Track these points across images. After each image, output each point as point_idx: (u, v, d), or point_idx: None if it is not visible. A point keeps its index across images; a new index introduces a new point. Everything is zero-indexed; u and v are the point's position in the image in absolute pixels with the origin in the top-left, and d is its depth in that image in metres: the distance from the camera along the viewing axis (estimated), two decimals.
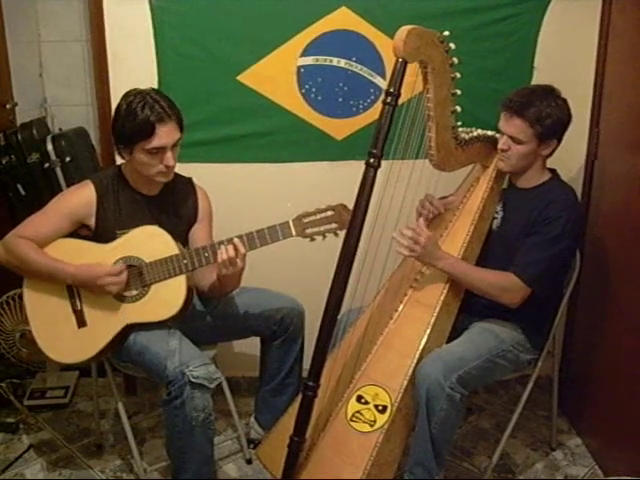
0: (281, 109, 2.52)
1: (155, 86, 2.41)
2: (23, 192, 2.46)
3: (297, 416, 1.91)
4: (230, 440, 2.49)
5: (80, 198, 2.08)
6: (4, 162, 2.44)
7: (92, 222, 2.08)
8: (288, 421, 2.00)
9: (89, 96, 2.70)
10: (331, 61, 2.49)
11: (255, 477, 2.31)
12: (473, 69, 2.38)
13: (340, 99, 2.53)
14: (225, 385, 2.31)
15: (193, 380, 1.91)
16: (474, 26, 2.45)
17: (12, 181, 2.46)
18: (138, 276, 2.02)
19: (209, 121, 2.51)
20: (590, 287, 2.44)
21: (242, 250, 1.94)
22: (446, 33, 1.89)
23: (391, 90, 1.80)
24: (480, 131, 2.12)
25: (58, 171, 2.44)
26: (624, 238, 2.21)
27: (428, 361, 1.94)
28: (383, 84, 2.48)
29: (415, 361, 1.95)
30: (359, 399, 1.98)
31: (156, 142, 1.96)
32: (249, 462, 2.37)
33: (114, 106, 2.04)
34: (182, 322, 2.08)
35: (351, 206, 1.85)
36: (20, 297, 2.23)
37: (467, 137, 2.06)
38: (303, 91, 2.51)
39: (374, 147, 1.81)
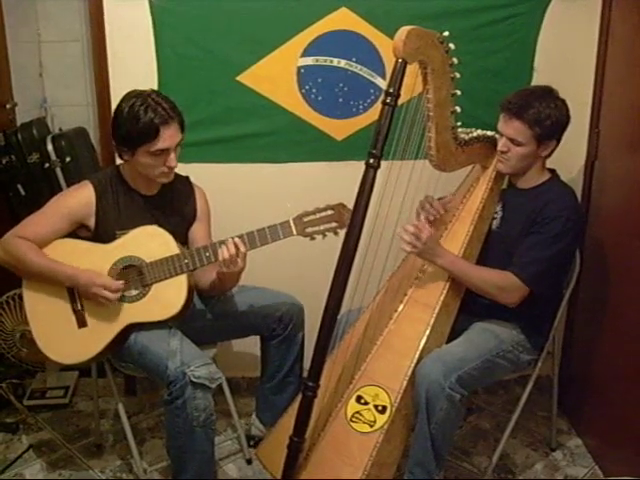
0: (281, 109, 2.52)
1: (155, 86, 2.42)
2: (23, 192, 2.46)
3: (297, 416, 1.91)
4: (230, 440, 2.49)
5: (79, 198, 2.08)
6: (4, 162, 2.44)
7: (91, 222, 2.08)
8: (288, 421, 2.00)
9: (89, 96, 2.70)
10: (331, 61, 2.49)
11: (255, 477, 2.31)
12: (473, 69, 2.37)
13: (340, 99, 2.53)
14: (225, 385, 2.31)
15: (194, 380, 1.92)
16: (474, 26, 2.45)
17: (12, 181, 2.46)
18: (138, 276, 2.02)
19: (209, 121, 2.51)
20: (590, 287, 2.44)
21: (243, 249, 1.95)
22: (446, 33, 1.89)
23: (391, 90, 1.79)
24: (480, 131, 2.12)
25: (58, 171, 2.44)
26: (624, 238, 2.21)
27: (428, 361, 1.94)
28: (383, 84, 2.48)
29: (415, 361, 1.96)
30: (359, 399, 1.98)
31: (160, 144, 1.97)
32: (249, 462, 2.37)
33: (114, 106, 2.04)
34: (182, 322, 2.08)
35: (351, 206, 1.85)
36: (20, 297, 2.23)
37: (467, 137, 2.06)
38: (303, 91, 2.51)
39: (374, 147, 1.81)
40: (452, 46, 1.90)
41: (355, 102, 2.53)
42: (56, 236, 2.06)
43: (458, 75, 1.95)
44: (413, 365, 1.95)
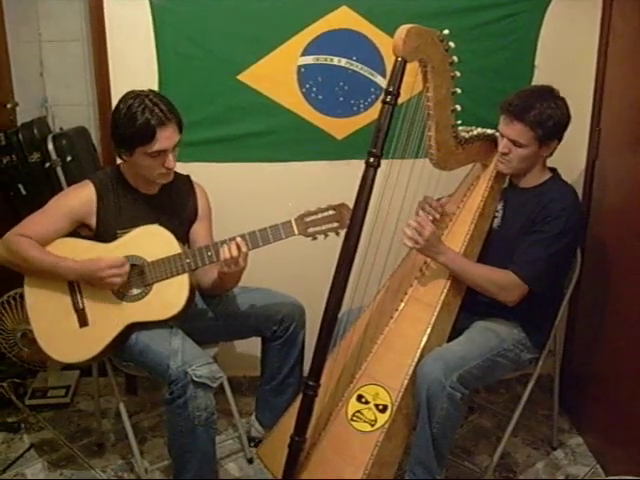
0: (281, 108, 2.52)
1: (155, 85, 2.43)
2: (24, 192, 2.46)
3: (298, 416, 1.91)
4: (231, 439, 2.49)
5: (80, 197, 2.08)
6: (5, 162, 2.44)
7: (92, 222, 2.08)
8: (289, 421, 2.00)
9: (90, 95, 2.70)
10: (332, 60, 2.49)
11: (256, 477, 2.31)
12: (473, 68, 2.36)
13: (340, 98, 2.53)
14: (226, 384, 2.31)
15: (196, 379, 1.92)
16: (474, 25, 2.45)
17: (13, 181, 2.46)
18: (140, 275, 2.02)
19: (209, 121, 2.51)
20: (591, 286, 2.44)
21: (244, 249, 1.94)
22: (446, 32, 1.88)
23: (391, 89, 1.79)
24: (480, 130, 2.11)
25: (59, 171, 2.45)
26: (625, 237, 2.21)
27: (429, 360, 1.93)
28: (384, 83, 2.48)
29: (416, 360, 1.95)
30: (359, 398, 1.98)
31: (157, 146, 1.96)
32: (250, 461, 2.37)
33: (115, 106, 2.04)
34: (184, 321, 2.08)
35: (351, 205, 1.85)
36: (21, 297, 2.23)
37: (467, 136, 2.06)
38: (303, 90, 2.51)
39: (374, 146, 1.81)
40: (452, 44, 1.89)
41: (355, 101, 2.53)
42: (57, 235, 2.06)
43: (458, 74, 1.95)
44: (414, 364, 1.95)
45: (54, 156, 2.44)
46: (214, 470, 2.12)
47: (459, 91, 1.96)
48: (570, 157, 2.44)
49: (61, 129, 2.61)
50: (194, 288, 2.06)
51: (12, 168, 2.44)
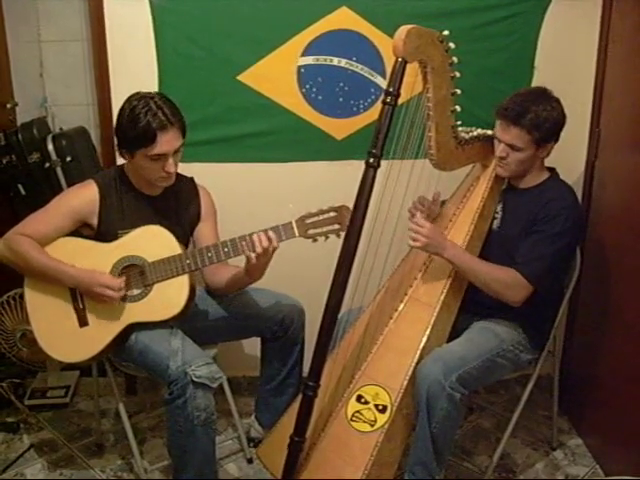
0: (281, 109, 2.52)
1: (155, 85, 2.43)
2: (24, 192, 2.46)
3: (297, 416, 1.92)
4: (231, 440, 2.49)
5: (83, 197, 2.08)
6: (5, 162, 2.44)
7: (95, 221, 2.08)
8: (288, 421, 2.00)
9: (90, 96, 2.70)
10: (331, 61, 2.49)
11: (256, 477, 2.31)
12: (473, 68, 2.37)
13: (340, 99, 2.53)
14: (226, 384, 2.31)
15: (195, 380, 1.92)
16: (474, 25, 2.45)
17: (13, 181, 2.46)
18: (140, 276, 2.02)
19: (209, 121, 2.51)
20: (591, 287, 2.44)
21: (275, 243, 1.94)
22: (446, 32, 1.89)
23: (390, 90, 1.80)
24: (480, 130, 2.12)
25: (59, 171, 2.44)
26: (624, 238, 2.21)
27: (428, 361, 1.94)
28: (384, 84, 2.48)
29: (415, 361, 1.96)
30: (359, 399, 1.98)
31: (157, 150, 1.96)
32: (250, 462, 2.37)
33: (115, 105, 2.05)
34: (183, 322, 2.08)
35: (351, 206, 1.85)
36: (21, 297, 2.23)
37: (467, 136, 2.06)
38: (303, 91, 2.51)
39: (374, 147, 1.81)
40: (452, 45, 1.90)
41: (355, 101, 2.53)
42: (58, 234, 2.06)
43: (458, 74, 1.95)
44: (414, 364, 1.95)
45: (54, 156, 2.44)
46: (214, 470, 2.12)
47: (459, 92, 1.96)
48: (570, 157, 2.44)
49: (61, 129, 2.61)
50: (194, 289, 2.06)
51: (12, 168, 2.44)
